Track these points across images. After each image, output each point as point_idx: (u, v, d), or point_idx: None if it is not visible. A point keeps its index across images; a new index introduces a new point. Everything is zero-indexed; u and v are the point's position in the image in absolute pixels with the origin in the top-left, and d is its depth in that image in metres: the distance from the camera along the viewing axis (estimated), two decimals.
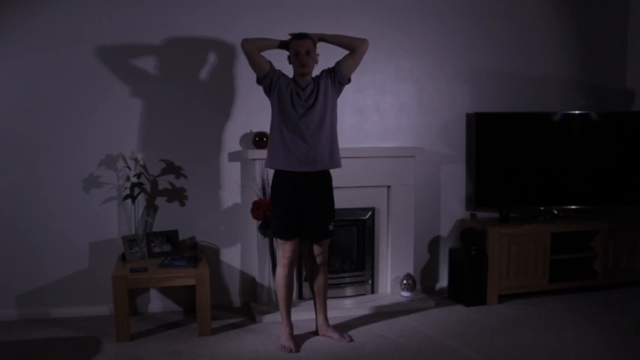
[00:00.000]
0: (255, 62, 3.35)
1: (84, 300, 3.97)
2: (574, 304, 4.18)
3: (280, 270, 3.47)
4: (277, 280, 3.50)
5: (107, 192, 3.96)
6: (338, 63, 3.42)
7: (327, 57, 3.49)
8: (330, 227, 3.46)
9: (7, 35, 3.75)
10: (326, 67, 3.44)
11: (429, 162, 4.43)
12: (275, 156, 3.36)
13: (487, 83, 4.52)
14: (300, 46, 3.30)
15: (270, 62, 3.36)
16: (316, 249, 3.49)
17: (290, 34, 3.39)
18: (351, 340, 3.52)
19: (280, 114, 3.34)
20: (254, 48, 3.33)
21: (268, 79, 3.35)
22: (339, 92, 3.45)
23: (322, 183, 3.40)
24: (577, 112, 4.51)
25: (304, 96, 3.33)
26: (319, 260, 3.51)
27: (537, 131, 4.46)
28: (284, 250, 3.43)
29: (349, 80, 3.47)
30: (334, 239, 3.58)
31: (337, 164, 3.43)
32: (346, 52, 3.45)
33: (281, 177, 3.38)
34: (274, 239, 3.93)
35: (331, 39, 3.45)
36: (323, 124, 3.34)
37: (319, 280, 3.55)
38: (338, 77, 3.40)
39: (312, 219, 3.39)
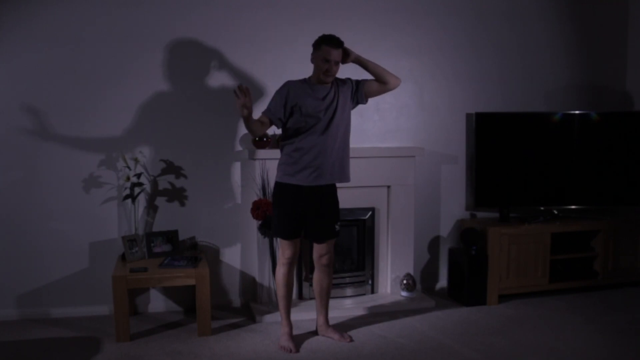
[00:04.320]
0: (263, 130, 3.30)
1: (84, 300, 3.97)
2: (574, 304, 4.18)
3: (280, 270, 3.46)
4: (277, 280, 3.49)
5: (107, 192, 3.96)
6: (363, 83, 3.39)
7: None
8: (337, 227, 3.46)
9: (7, 35, 3.75)
10: (345, 77, 3.41)
11: (429, 162, 4.44)
12: (286, 171, 3.31)
13: (487, 83, 4.53)
14: (332, 55, 3.21)
15: (270, 114, 3.26)
16: (322, 249, 3.47)
17: (325, 36, 3.25)
18: (351, 340, 3.51)
19: (300, 128, 3.27)
20: (253, 133, 3.29)
21: (285, 116, 3.27)
22: (353, 107, 3.44)
23: (328, 187, 3.39)
24: (577, 112, 4.51)
25: (321, 107, 3.26)
26: (324, 261, 3.49)
27: (537, 131, 4.46)
28: (284, 249, 3.43)
29: (366, 101, 3.47)
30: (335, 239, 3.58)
31: (347, 178, 3.43)
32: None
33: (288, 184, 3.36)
34: (274, 239, 3.93)
35: (367, 64, 3.36)
36: (343, 141, 3.34)
37: (323, 282, 3.54)
38: (359, 96, 3.40)
39: (317, 219, 3.38)
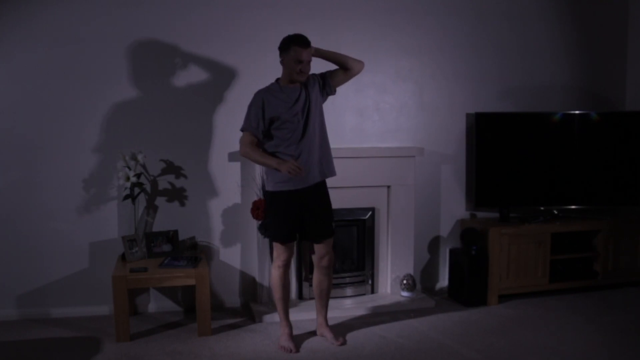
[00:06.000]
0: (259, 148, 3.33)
1: (84, 300, 3.97)
2: (574, 304, 4.18)
3: (276, 272, 3.46)
4: (273, 282, 3.48)
5: (107, 192, 3.96)
6: (329, 75, 3.39)
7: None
8: (332, 224, 3.46)
9: (6, 34, 3.75)
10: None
11: (429, 162, 4.43)
12: (279, 179, 3.30)
13: (487, 83, 4.52)
14: (304, 55, 3.22)
15: (254, 130, 3.29)
16: (321, 250, 3.45)
17: (293, 37, 3.26)
18: (343, 343, 3.47)
19: (282, 135, 3.28)
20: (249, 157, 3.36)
21: (265, 128, 3.29)
22: (324, 100, 3.43)
23: (319, 186, 3.39)
24: (577, 112, 4.51)
25: (296, 110, 3.26)
26: (325, 262, 3.47)
27: (537, 131, 4.46)
28: (279, 253, 3.42)
29: (335, 92, 3.46)
30: (334, 239, 3.57)
31: (333, 172, 3.43)
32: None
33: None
34: None
35: (328, 55, 3.36)
36: (322, 136, 3.35)
37: (323, 284, 3.52)
38: (327, 88, 3.39)
39: (313, 220, 3.38)
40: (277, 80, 3.37)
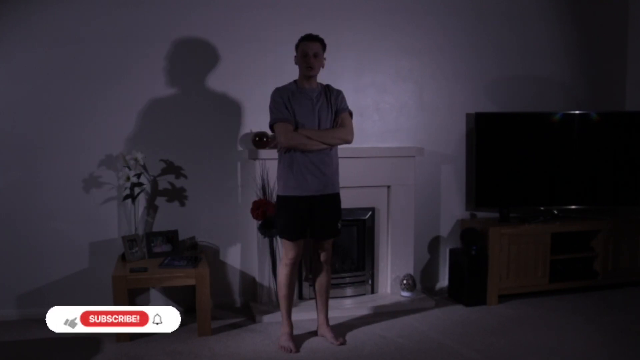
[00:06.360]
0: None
1: (84, 300, 3.95)
2: (574, 304, 4.18)
3: (283, 270, 3.46)
4: (279, 280, 3.49)
5: (107, 192, 3.96)
6: (339, 114, 3.36)
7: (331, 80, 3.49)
8: (339, 225, 3.47)
9: (7, 35, 3.75)
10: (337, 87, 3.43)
11: (429, 162, 4.43)
12: (287, 183, 3.32)
13: (487, 83, 4.52)
14: (309, 48, 3.26)
15: (289, 116, 3.26)
16: (320, 247, 3.47)
17: (301, 36, 3.32)
18: (342, 343, 3.47)
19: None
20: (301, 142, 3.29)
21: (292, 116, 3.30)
22: None
23: (330, 195, 3.40)
24: (577, 112, 4.52)
25: (311, 110, 3.28)
26: (323, 257, 3.49)
27: (537, 131, 4.46)
28: (287, 250, 3.42)
29: None
30: (334, 239, 3.58)
31: (336, 189, 3.43)
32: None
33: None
34: (275, 239, 3.93)
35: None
36: (331, 147, 3.38)
37: (322, 279, 3.54)
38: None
39: (321, 219, 3.38)
40: (295, 81, 3.37)
